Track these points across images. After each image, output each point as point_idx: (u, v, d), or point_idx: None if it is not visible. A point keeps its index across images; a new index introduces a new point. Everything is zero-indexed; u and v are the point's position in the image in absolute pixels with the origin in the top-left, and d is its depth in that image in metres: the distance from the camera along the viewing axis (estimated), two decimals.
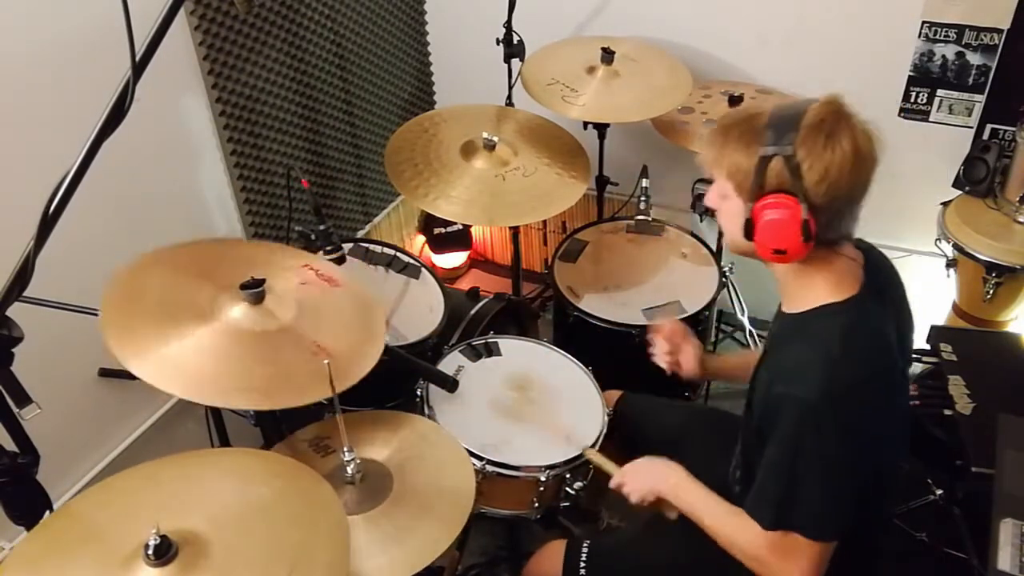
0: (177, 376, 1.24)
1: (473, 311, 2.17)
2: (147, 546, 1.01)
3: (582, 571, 1.53)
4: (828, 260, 1.23)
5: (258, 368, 1.31)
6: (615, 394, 1.88)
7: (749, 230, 1.20)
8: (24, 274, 1.06)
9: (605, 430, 1.74)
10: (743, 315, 2.57)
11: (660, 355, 1.69)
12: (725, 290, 2.35)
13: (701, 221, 2.64)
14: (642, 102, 2.19)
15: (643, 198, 2.35)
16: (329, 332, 1.41)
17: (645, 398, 1.88)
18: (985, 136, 2.28)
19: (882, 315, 1.27)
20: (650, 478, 1.48)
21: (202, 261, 1.48)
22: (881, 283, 1.30)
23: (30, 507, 1.20)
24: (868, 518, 1.31)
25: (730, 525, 1.32)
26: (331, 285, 1.53)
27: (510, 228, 2.45)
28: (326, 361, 1.23)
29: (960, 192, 2.26)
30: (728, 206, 1.25)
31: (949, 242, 2.19)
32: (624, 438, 1.79)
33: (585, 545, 1.56)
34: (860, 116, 1.18)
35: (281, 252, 1.60)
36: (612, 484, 1.54)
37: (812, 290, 1.25)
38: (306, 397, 1.28)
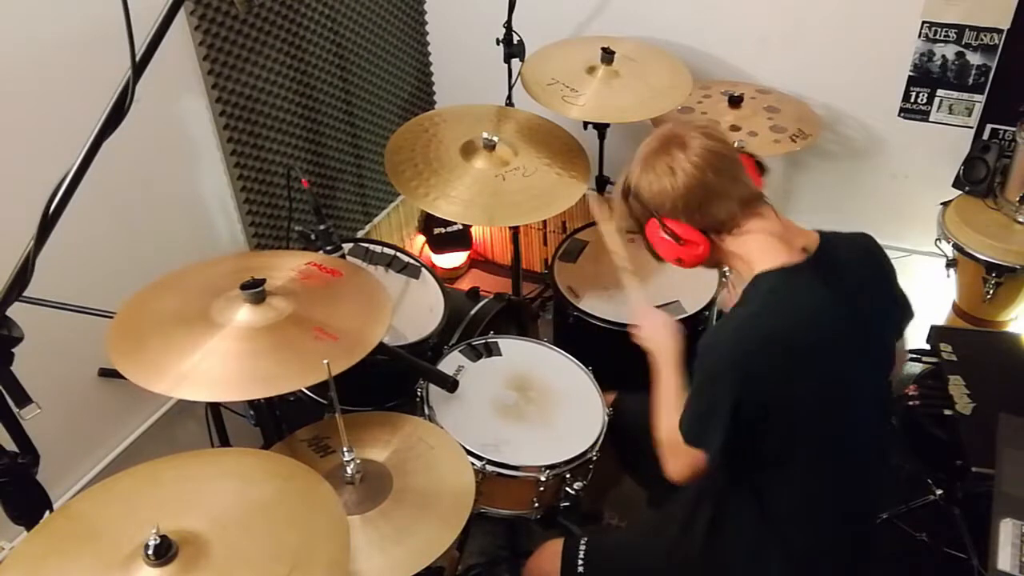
0: (198, 384, 1.26)
1: (473, 311, 2.17)
2: (147, 546, 1.01)
3: (580, 569, 1.54)
4: (741, 242, 1.36)
5: (268, 358, 1.32)
6: (610, 396, 1.88)
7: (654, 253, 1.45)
8: (24, 274, 1.06)
9: (605, 430, 1.74)
10: None
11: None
12: (725, 290, 2.35)
13: None
14: (642, 102, 2.19)
15: None
16: (335, 313, 1.43)
17: (641, 398, 1.88)
18: (985, 136, 2.28)
19: (817, 286, 1.30)
20: (659, 336, 1.58)
21: (204, 279, 1.49)
22: (835, 260, 1.34)
23: (30, 507, 1.20)
24: (822, 511, 1.36)
25: (666, 414, 1.44)
26: (334, 276, 1.54)
27: (510, 228, 2.45)
28: (325, 361, 1.23)
29: (960, 192, 2.26)
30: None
31: (949, 242, 2.19)
32: (619, 438, 1.79)
33: (583, 543, 1.57)
34: (692, 125, 1.39)
35: (284, 256, 1.61)
36: (633, 320, 1.66)
37: (745, 269, 1.36)
38: (316, 377, 1.28)
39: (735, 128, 2.22)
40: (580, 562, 1.54)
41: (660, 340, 1.57)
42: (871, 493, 1.47)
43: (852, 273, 1.35)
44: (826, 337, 1.29)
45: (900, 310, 1.45)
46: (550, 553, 1.60)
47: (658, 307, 2.15)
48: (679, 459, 1.37)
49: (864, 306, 1.34)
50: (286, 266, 1.53)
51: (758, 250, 1.34)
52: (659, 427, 1.43)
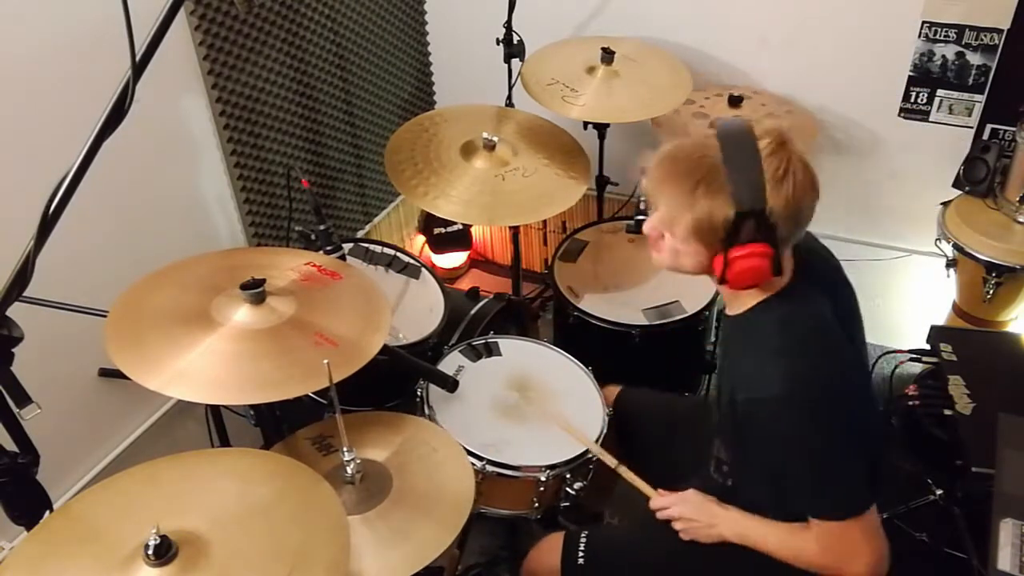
0: (196, 384, 1.25)
1: (473, 311, 2.17)
2: (147, 546, 1.01)
3: (580, 562, 1.54)
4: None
5: (268, 362, 1.31)
6: (614, 389, 1.88)
7: (723, 274, 1.21)
8: (24, 274, 1.06)
9: (605, 430, 1.74)
10: None
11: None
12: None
13: None
14: (642, 102, 2.19)
15: (643, 198, 2.35)
16: (335, 319, 1.42)
17: (644, 392, 1.89)
18: (985, 136, 2.28)
19: (817, 295, 1.29)
20: (707, 520, 1.44)
21: (203, 274, 1.49)
22: (813, 264, 1.32)
23: (30, 507, 1.20)
24: None
25: (793, 538, 1.31)
26: (334, 278, 1.53)
27: (510, 228, 2.45)
28: (325, 361, 1.23)
29: (960, 192, 2.26)
30: (682, 246, 1.26)
31: (949, 242, 2.19)
32: (622, 431, 1.79)
33: (583, 536, 1.57)
34: (796, 145, 1.19)
35: (283, 254, 1.61)
36: (655, 508, 1.52)
37: (748, 293, 1.28)
38: (316, 384, 1.28)
39: None
40: (581, 555, 1.54)
41: (714, 526, 1.42)
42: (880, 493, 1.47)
43: (823, 272, 1.35)
44: (851, 345, 1.30)
45: (850, 287, 1.42)
46: (550, 547, 1.60)
47: (658, 307, 2.16)
48: (858, 545, 1.25)
49: (842, 296, 1.36)
50: (285, 265, 1.53)
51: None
52: (799, 558, 1.31)
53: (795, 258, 1.29)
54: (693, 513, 1.46)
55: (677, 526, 1.48)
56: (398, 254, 2.19)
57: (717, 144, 1.18)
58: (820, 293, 1.29)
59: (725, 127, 1.20)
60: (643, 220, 2.34)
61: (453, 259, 3.24)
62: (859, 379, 1.34)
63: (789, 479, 1.26)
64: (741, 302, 1.30)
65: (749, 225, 1.16)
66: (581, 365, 1.91)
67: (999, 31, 2.15)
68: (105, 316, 1.34)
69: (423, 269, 2.17)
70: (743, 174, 1.15)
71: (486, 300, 2.23)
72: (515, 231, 2.43)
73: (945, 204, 2.27)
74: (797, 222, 1.20)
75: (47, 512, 1.22)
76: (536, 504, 1.71)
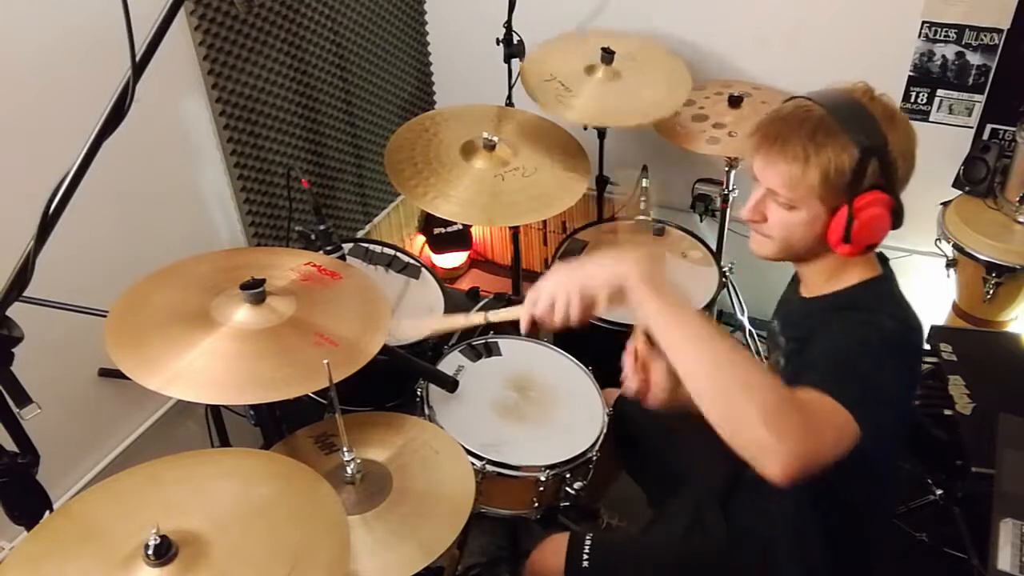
0: (195, 384, 1.25)
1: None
2: (147, 546, 1.01)
3: (584, 564, 1.53)
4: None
5: (268, 362, 1.31)
6: (614, 392, 1.88)
7: (847, 231, 1.15)
8: (24, 274, 1.06)
9: (605, 430, 1.74)
10: (743, 315, 2.57)
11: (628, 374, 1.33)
12: (725, 290, 2.35)
13: (701, 221, 2.64)
14: (640, 107, 2.19)
15: (643, 198, 2.36)
16: (335, 319, 1.42)
17: None
18: (985, 136, 2.28)
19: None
20: (589, 271, 1.11)
21: (203, 274, 1.49)
22: (883, 255, 1.32)
23: (30, 507, 1.20)
24: (871, 511, 1.32)
25: (744, 368, 0.99)
26: (334, 278, 1.53)
27: (510, 228, 2.45)
28: (325, 361, 1.23)
29: (960, 192, 2.26)
30: (794, 216, 1.20)
31: (949, 242, 2.19)
32: (622, 433, 1.79)
33: (588, 538, 1.56)
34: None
35: (283, 254, 1.61)
36: (524, 315, 1.17)
37: (848, 275, 1.25)
38: (316, 384, 1.28)
39: (733, 135, 2.22)
40: (585, 558, 1.53)
41: (619, 268, 1.08)
42: (892, 495, 1.46)
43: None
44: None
45: None
46: (554, 548, 1.59)
47: None
48: (804, 429, 0.95)
49: None
50: (285, 265, 1.53)
51: (869, 257, 1.26)
52: (740, 388, 0.97)
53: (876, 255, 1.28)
54: (564, 278, 1.12)
55: (554, 314, 1.13)
56: (398, 254, 2.19)
57: (814, 103, 1.18)
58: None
59: (812, 92, 1.19)
60: (643, 220, 2.38)
61: (453, 259, 3.24)
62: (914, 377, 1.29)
63: (820, 359, 1.11)
64: (838, 279, 1.25)
65: (873, 166, 1.13)
66: (581, 365, 1.91)
67: (999, 31, 2.15)
68: (105, 316, 1.34)
69: (423, 269, 2.17)
70: (854, 117, 1.14)
71: (486, 300, 2.23)
72: (515, 231, 2.43)
73: (945, 204, 2.27)
74: (911, 162, 1.18)
75: (47, 512, 1.22)
76: (536, 504, 1.71)
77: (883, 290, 1.24)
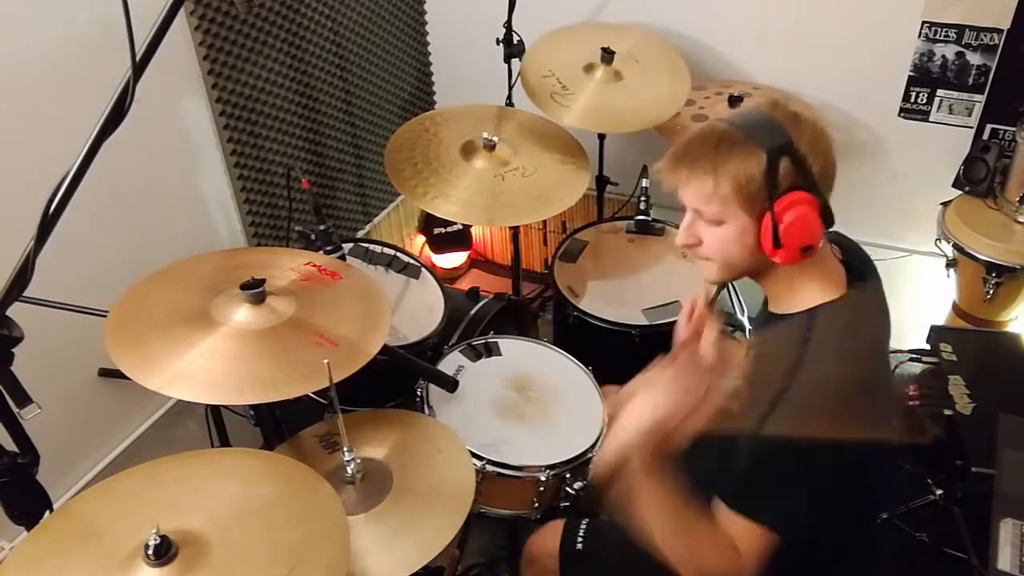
0: (194, 384, 1.25)
1: (473, 311, 2.17)
2: (147, 546, 1.01)
3: (579, 546, 1.54)
4: (819, 254, 1.22)
5: (268, 362, 1.31)
6: (614, 389, 1.87)
7: (775, 237, 1.15)
8: (24, 274, 1.06)
9: (605, 430, 1.74)
10: (743, 315, 2.57)
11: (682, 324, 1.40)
12: (725, 290, 2.35)
13: None
14: (639, 111, 2.18)
15: (643, 198, 2.36)
16: (335, 319, 1.42)
17: None
18: (985, 136, 2.28)
19: (872, 308, 1.26)
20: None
21: (203, 274, 1.49)
22: (862, 271, 1.29)
23: (30, 507, 1.20)
24: (856, 522, 1.31)
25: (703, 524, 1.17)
26: (334, 278, 1.53)
27: (510, 228, 2.45)
28: (325, 361, 1.23)
29: (960, 192, 2.26)
30: (724, 231, 1.20)
31: (949, 242, 2.19)
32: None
33: (583, 523, 1.58)
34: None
35: (283, 254, 1.61)
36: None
37: (805, 290, 1.23)
38: (316, 384, 1.28)
39: None
40: (580, 540, 1.55)
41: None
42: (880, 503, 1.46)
43: (872, 280, 1.31)
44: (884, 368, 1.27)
45: (889, 316, 1.37)
46: (551, 532, 1.60)
47: (658, 307, 2.16)
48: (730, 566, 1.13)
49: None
50: (285, 265, 1.53)
51: (827, 278, 1.23)
52: (684, 550, 1.18)
53: (846, 266, 1.26)
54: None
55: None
56: (398, 254, 2.19)
57: (718, 121, 1.19)
58: (876, 305, 1.27)
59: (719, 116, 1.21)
60: (643, 220, 2.38)
61: (453, 259, 3.24)
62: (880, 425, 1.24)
63: (740, 461, 1.16)
64: (794, 300, 1.24)
65: (784, 167, 1.13)
66: (581, 365, 1.91)
67: (999, 31, 2.15)
68: (105, 316, 1.34)
69: (423, 269, 2.17)
70: (755, 125, 1.15)
71: (486, 300, 2.23)
72: (515, 231, 2.43)
73: (945, 204, 2.27)
74: (829, 160, 1.18)
75: (47, 512, 1.22)
76: (536, 504, 1.71)
77: (836, 324, 1.19)
